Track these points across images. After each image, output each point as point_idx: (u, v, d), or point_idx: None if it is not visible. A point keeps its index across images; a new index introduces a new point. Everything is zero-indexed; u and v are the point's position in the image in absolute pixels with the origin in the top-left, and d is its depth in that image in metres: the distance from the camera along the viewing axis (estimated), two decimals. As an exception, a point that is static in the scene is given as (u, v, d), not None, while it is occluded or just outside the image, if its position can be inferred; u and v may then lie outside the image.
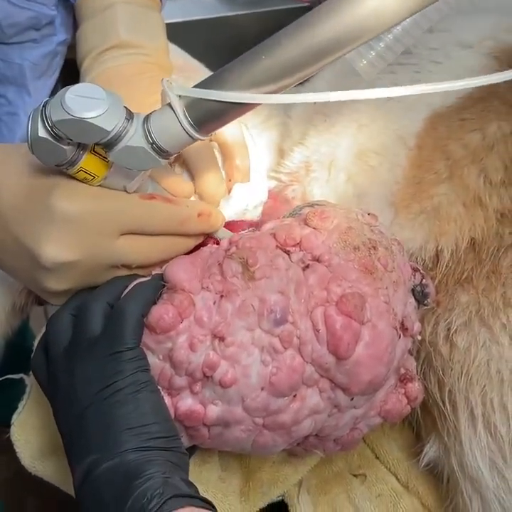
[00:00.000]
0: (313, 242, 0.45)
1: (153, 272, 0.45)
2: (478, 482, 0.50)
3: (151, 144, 0.38)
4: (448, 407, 0.52)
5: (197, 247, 0.48)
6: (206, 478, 0.52)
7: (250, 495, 0.53)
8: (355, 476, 0.57)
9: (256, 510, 0.53)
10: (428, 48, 0.61)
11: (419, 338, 0.50)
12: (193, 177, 0.52)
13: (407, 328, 0.47)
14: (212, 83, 0.37)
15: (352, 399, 0.45)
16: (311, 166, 0.60)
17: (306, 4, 0.88)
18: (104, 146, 0.37)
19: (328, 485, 0.56)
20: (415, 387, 0.49)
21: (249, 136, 0.61)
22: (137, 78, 0.58)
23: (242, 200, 0.54)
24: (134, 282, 0.44)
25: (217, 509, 0.50)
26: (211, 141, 0.54)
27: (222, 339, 0.42)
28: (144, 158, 0.38)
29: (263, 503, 0.53)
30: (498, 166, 0.54)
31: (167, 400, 0.44)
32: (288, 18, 0.93)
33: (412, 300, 0.48)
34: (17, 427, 0.57)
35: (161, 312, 0.41)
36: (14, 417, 0.57)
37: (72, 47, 0.67)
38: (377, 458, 0.58)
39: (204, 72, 0.76)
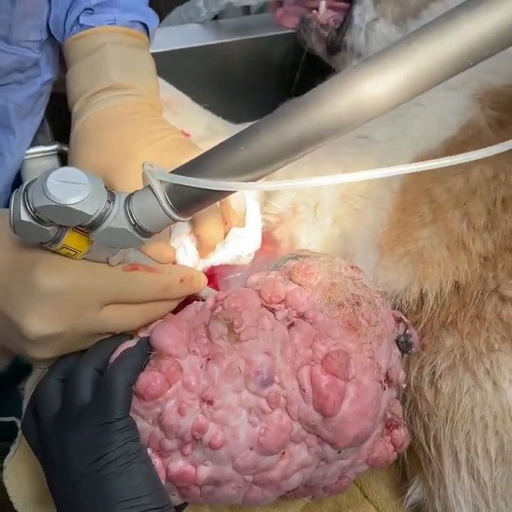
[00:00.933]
0: (298, 300, 0.46)
1: (140, 334, 0.46)
2: (462, 526, 0.51)
3: (133, 225, 0.38)
4: (433, 452, 0.53)
5: (182, 304, 0.48)
6: (198, 527, 0.52)
7: (242, 540, 0.54)
8: (344, 515, 0.58)
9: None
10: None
11: (404, 386, 0.50)
12: (193, 220, 0.53)
13: (391, 380, 0.47)
14: (193, 169, 0.37)
15: (339, 452, 0.46)
16: (297, 208, 0.60)
17: (292, 30, 0.88)
18: (87, 227, 0.38)
19: (318, 526, 0.57)
20: (401, 434, 0.50)
21: None
22: (129, 119, 0.58)
23: (238, 247, 0.54)
24: (121, 347, 0.44)
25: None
26: None
27: (210, 403, 0.42)
28: (126, 238, 0.38)
29: (255, 547, 0.54)
30: (481, 210, 0.54)
31: (158, 461, 0.44)
32: (274, 45, 0.94)
33: (396, 351, 0.49)
34: (9, 471, 0.57)
35: (149, 379, 0.42)
36: (6, 461, 0.58)
37: (60, 82, 0.67)
38: (366, 497, 0.59)
39: (190, 106, 0.76)
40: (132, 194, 0.39)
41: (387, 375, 0.47)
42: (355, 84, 0.33)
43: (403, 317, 0.51)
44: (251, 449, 0.43)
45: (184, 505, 0.49)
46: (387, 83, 0.32)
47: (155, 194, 0.37)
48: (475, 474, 0.51)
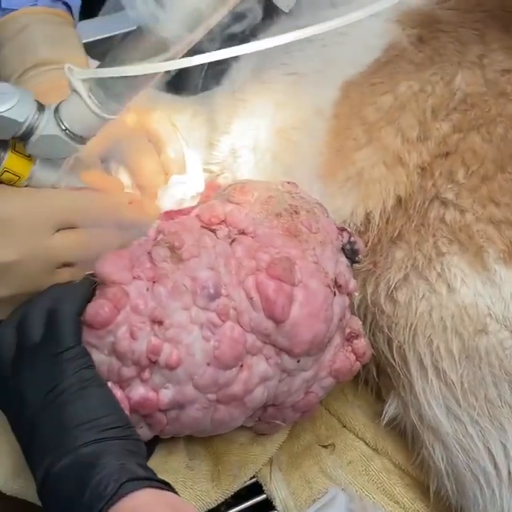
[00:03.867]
0: (236, 217, 0.46)
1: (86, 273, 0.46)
2: (437, 430, 0.51)
3: (65, 131, 0.39)
4: (399, 363, 0.53)
5: None
6: (173, 468, 0.52)
7: (221, 479, 0.53)
8: (324, 446, 0.57)
9: (230, 494, 0.53)
10: (334, 22, 0.62)
11: (357, 294, 0.51)
12: (131, 171, 0.53)
13: (340, 285, 0.48)
14: (109, 63, 0.38)
15: (298, 361, 0.46)
16: (237, 152, 0.61)
17: None
18: (20, 139, 0.39)
19: (299, 459, 0.56)
20: (361, 343, 0.50)
21: (179, 136, 0.62)
22: (55, 93, 0.59)
23: (179, 191, 0.56)
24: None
25: (189, 497, 0.51)
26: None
27: (160, 323, 0.43)
28: (60, 145, 0.39)
29: (237, 486, 0.53)
30: (413, 123, 0.56)
31: (120, 393, 0.44)
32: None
33: (343, 258, 0.49)
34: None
35: (96, 308, 0.42)
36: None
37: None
38: (344, 426, 0.59)
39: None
40: (61, 102, 0.39)
41: (335, 281, 0.47)
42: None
43: (346, 227, 0.51)
44: (208, 364, 0.43)
45: (155, 442, 0.49)
46: None
47: (79, 94, 0.38)
48: (442, 375, 0.51)
